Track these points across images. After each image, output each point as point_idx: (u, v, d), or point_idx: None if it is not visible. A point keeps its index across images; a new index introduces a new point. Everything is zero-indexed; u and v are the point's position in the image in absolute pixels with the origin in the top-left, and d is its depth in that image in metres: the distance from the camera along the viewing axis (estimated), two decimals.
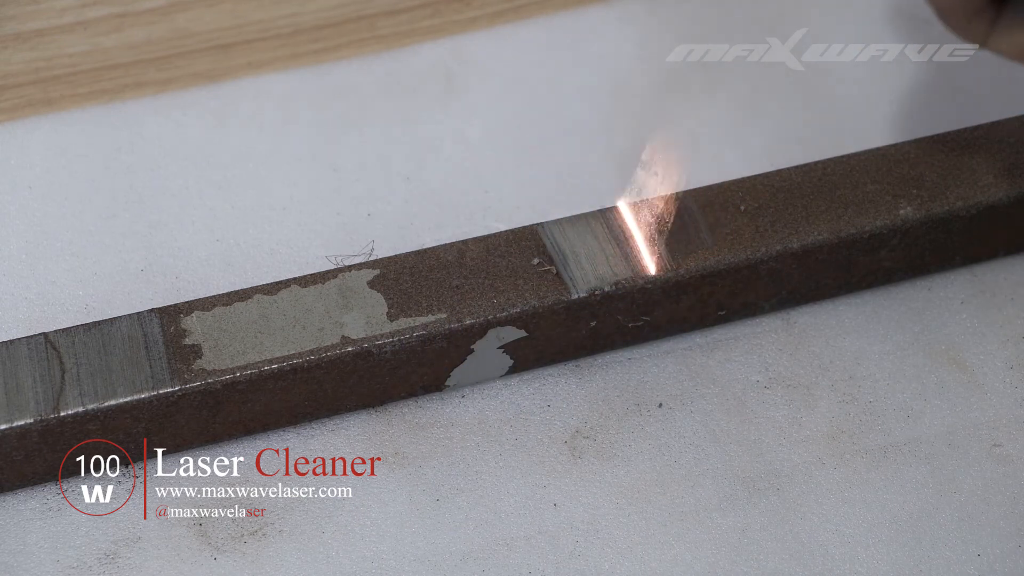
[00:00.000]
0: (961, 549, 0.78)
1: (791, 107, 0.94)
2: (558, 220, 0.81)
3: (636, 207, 0.81)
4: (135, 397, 0.74)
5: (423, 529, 0.77)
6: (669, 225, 0.81)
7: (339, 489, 0.78)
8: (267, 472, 0.78)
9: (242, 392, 0.76)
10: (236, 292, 0.78)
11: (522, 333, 0.79)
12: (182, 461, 0.78)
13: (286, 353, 0.76)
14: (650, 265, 0.79)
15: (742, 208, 0.82)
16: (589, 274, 0.79)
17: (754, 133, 0.92)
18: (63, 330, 0.76)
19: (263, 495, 0.78)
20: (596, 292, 0.79)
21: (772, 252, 0.81)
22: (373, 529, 0.77)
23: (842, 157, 0.85)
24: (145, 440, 0.76)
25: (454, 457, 0.79)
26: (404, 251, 0.81)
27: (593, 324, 0.80)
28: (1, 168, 0.88)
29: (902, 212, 0.83)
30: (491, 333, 0.78)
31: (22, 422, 0.73)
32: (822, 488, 0.79)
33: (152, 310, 0.77)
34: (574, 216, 0.81)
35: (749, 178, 0.84)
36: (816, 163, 0.84)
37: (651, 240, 0.80)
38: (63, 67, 0.92)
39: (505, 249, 0.80)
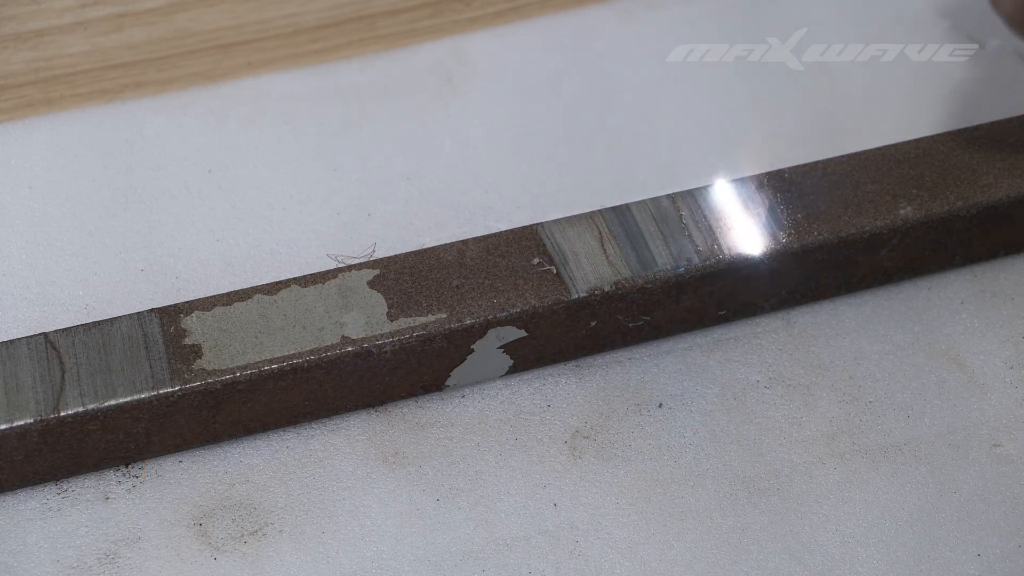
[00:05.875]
0: (961, 549, 0.78)
1: (791, 107, 0.94)
2: (558, 220, 0.81)
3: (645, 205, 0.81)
4: (135, 397, 0.74)
5: (423, 529, 0.77)
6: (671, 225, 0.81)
7: (339, 489, 0.78)
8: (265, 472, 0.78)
9: (242, 392, 0.76)
10: (236, 292, 0.78)
11: (522, 333, 0.79)
12: (182, 461, 0.78)
13: (286, 353, 0.76)
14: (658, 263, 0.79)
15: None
16: (589, 274, 0.79)
17: (754, 133, 0.92)
18: (63, 330, 0.76)
19: (263, 495, 0.78)
20: (596, 292, 0.79)
21: (772, 252, 0.81)
22: (373, 529, 0.77)
23: (842, 157, 0.85)
24: (145, 440, 0.77)
25: (454, 457, 0.79)
26: (404, 251, 0.81)
27: (593, 324, 0.80)
28: (1, 168, 0.88)
29: (902, 212, 0.83)
30: (491, 333, 0.79)
31: (22, 422, 0.73)
32: (822, 488, 0.79)
33: (152, 310, 0.77)
34: (574, 216, 0.81)
35: (749, 178, 0.84)
36: (816, 163, 0.84)
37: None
38: (63, 67, 0.92)
39: (505, 249, 0.80)
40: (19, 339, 0.76)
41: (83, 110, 0.91)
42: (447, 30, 0.96)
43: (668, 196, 0.82)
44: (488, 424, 0.80)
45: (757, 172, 0.84)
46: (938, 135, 0.86)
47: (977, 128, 0.87)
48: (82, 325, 0.77)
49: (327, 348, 0.76)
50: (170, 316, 0.77)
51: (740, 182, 0.83)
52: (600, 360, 0.83)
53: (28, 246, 0.85)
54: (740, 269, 0.81)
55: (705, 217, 0.81)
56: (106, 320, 0.77)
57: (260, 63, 0.94)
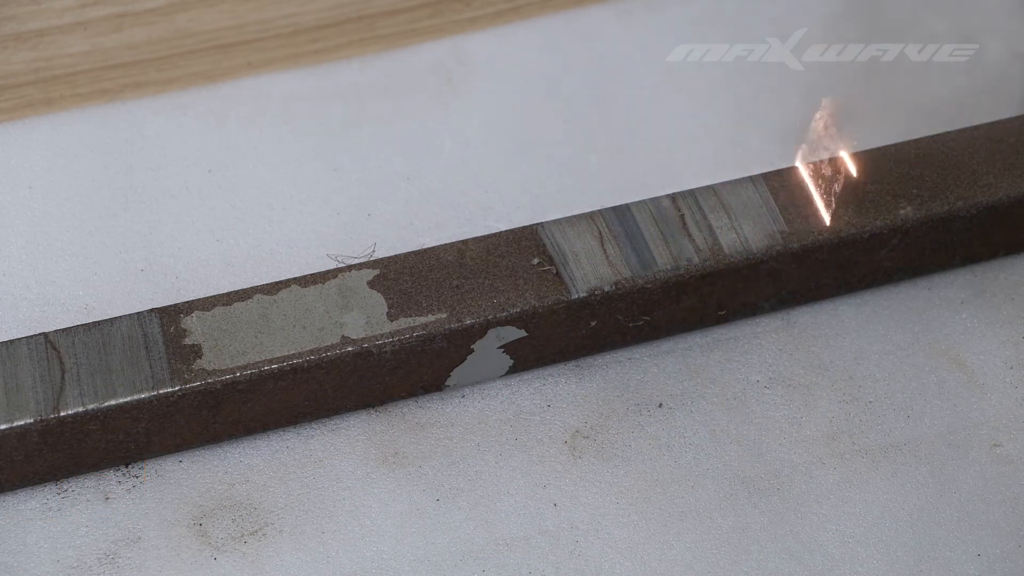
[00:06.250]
0: (961, 549, 0.78)
1: (791, 107, 0.94)
2: (558, 220, 0.81)
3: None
4: (135, 397, 0.74)
5: (423, 529, 0.77)
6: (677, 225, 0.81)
7: (339, 489, 0.78)
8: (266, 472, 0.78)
9: (242, 392, 0.76)
10: (236, 292, 0.78)
11: (522, 333, 0.79)
12: (182, 461, 0.78)
13: (286, 353, 0.76)
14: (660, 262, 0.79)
15: None
16: (589, 274, 0.79)
17: (754, 133, 0.92)
18: (63, 330, 0.76)
19: (263, 495, 0.78)
20: (596, 292, 0.79)
21: (772, 252, 0.81)
22: (373, 529, 0.77)
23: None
24: (145, 440, 0.77)
25: (454, 457, 0.79)
26: (404, 251, 0.81)
27: (593, 324, 0.80)
28: (1, 168, 0.88)
29: (902, 212, 0.83)
30: (491, 333, 0.79)
31: (22, 422, 0.73)
32: (822, 488, 0.79)
33: (152, 310, 0.77)
34: (574, 216, 0.81)
35: (748, 178, 0.84)
36: (815, 163, 0.84)
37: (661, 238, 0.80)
38: (63, 67, 0.92)
39: (505, 249, 0.80)
40: (19, 339, 0.76)
41: (83, 110, 0.91)
42: (447, 30, 0.96)
43: (668, 196, 0.82)
44: (488, 424, 0.80)
45: (757, 172, 0.84)
46: (938, 135, 0.86)
47: (977, 128, 0.87)
48: (82, 325, 0.77)
49: (327, 348, 0.76)
50: (170, 316, 0.77)
51: (740, 182, 0.83)
52: (600, 360, 0.83)
53: (28, 246, 0.85)
54: (740, 269, 0.81)
55: (705, 217, 0.81)
56: (106, 320, 0.77)
57: (260, 63, 0.94)
